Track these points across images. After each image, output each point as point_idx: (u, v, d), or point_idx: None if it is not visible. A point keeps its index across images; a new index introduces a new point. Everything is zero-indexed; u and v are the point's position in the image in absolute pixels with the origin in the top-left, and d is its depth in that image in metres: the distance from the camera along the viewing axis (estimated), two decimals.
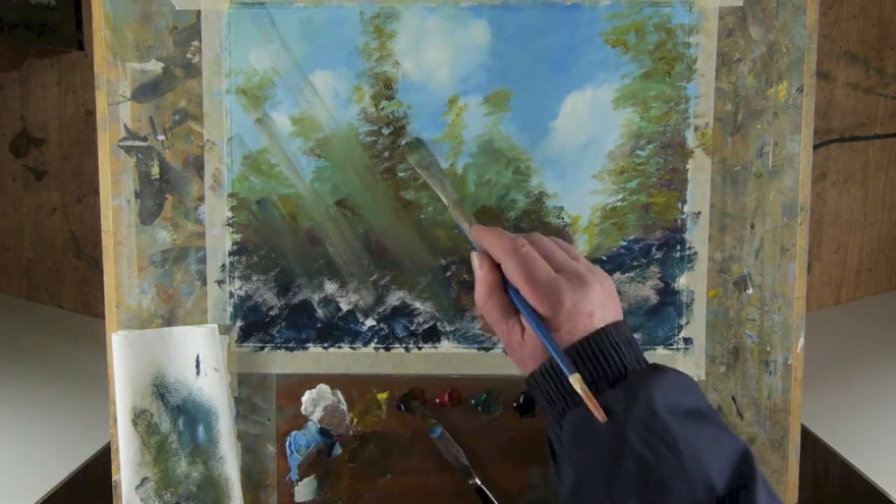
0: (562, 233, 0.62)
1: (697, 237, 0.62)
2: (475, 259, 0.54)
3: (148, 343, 0.62)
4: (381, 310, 0.63)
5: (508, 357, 0.53)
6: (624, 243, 0.62)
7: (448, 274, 0.63)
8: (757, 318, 0.63)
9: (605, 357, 0.47)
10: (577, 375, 0.46)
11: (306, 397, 0.63)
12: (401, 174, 0.62)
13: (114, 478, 0.63)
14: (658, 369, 0.47)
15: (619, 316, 0.51)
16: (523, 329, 0.50)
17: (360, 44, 0.61)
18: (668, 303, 0.63)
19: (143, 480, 0.63)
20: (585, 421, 0.45)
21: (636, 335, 0.63)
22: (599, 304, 0.49)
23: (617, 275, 0.62)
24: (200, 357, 0.62)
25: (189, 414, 0.63)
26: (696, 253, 0.62)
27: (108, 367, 0.62)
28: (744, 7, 0.60)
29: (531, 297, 0.49)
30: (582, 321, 0.48)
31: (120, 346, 0.61)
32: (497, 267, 0.53)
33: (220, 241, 0.62)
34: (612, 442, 0.43)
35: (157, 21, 0.61)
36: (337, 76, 0.61)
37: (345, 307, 0.63)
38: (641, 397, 0.44)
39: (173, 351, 0.62)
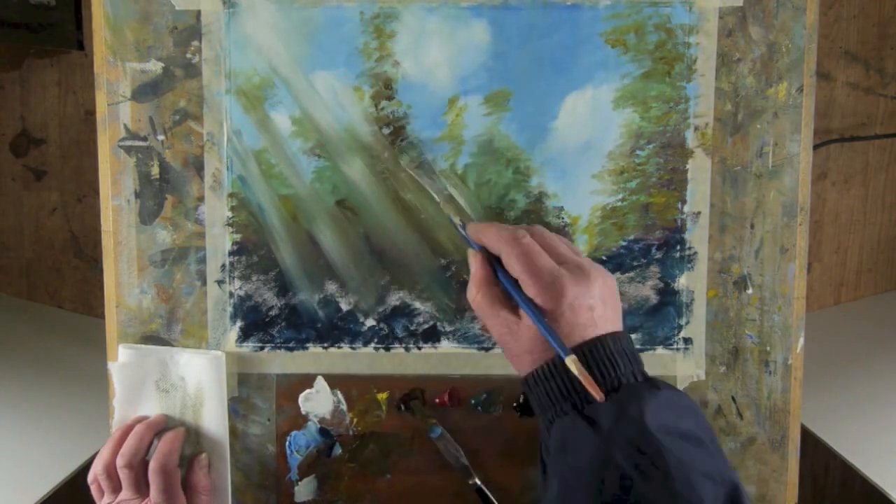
0: (562, 233, 0.62)
1: (697, 237, 0.62)
2: (471, 256, 0.53)
3: (150, 364, 0.62)
4: (381, 310, 0.63)
5: (504, 356, 0.52)
6: (624, 243, 0.62)
7: (448, 274, 0.63)
8: (757, 318, 0.63)
9: (600, 367, 0.45)
10: (574, 357, 0.44)
11: (303, 394, 0.63)
12: (401, 174, 0.62)
13: None
14: (654, 386, 0.45)
15: (619, 317, 0.50)
16: (517, 323, 0.49)
17: (360, 44, 0.61)
18: (668, 303, 0.63)
19: None
20: (572, 431, 0.44)
21: (636, 335, 0.63)
22: (601, 300, 0.48)
23: (617, 275, 0.62)
24: (202, 384, 0.62)
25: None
26: (696, 253, 0.62)
27: (107, 369, 0.62)
28: (744, 7, 0.60)
29: (532, 288, 0.47)
30: (583, 314, 0.47)
31: (120, 368, 0.61)
32: (489, 262, 0.52)
33: (219, 241, 0.62)
34: (596, 455, 0.42)
35: (157, 21, 0.61)
36: (337, 76, 0.61)
37: (345, 307, 0.63)
38: (631, 412, 0.42)
39: (175, 374, 0.62)
